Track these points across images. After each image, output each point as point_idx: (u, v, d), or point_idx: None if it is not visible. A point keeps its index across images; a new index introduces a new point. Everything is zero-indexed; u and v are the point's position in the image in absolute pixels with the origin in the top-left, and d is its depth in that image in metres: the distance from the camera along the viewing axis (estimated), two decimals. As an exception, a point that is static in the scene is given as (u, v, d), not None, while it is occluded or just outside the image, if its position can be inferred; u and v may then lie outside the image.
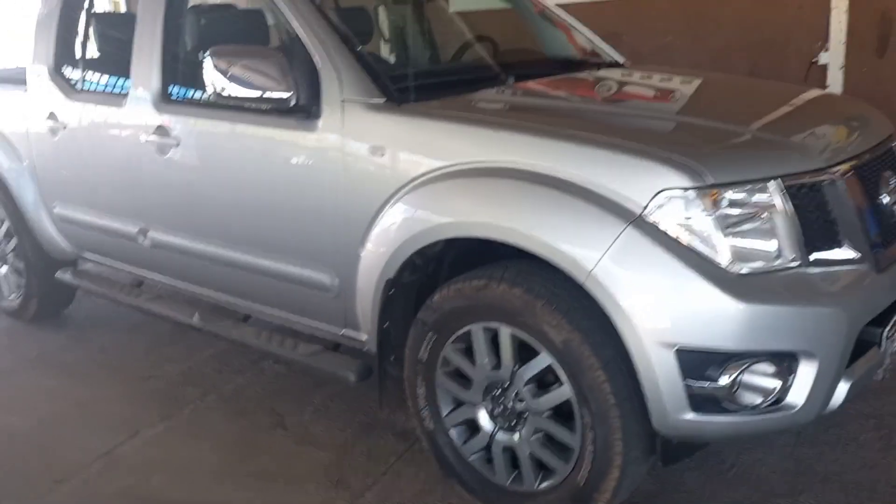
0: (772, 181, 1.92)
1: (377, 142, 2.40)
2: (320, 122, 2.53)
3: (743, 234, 1.89)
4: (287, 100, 2.51)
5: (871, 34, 4.76)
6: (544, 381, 2.15)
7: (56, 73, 3.58)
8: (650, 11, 5.42)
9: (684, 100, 2.76)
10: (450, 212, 2.20)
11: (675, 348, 1.85)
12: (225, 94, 2.53)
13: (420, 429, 2.48)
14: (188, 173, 3.00)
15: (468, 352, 2.30)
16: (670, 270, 1.86)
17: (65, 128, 3.50)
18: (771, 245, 1.90)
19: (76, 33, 3.63)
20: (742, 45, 5.13)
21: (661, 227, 1.89)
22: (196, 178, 2.98)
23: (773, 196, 1.91)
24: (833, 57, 4.84)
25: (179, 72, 3.09)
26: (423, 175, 2.28)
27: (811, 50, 4.91)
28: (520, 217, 2.04)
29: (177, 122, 3.00)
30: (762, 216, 1.90)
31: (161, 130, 3.05)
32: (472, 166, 2.17)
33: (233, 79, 2.51)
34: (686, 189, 1.87)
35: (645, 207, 1.90)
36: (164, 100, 3.08)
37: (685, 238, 1.88)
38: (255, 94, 2.52)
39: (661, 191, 1.89)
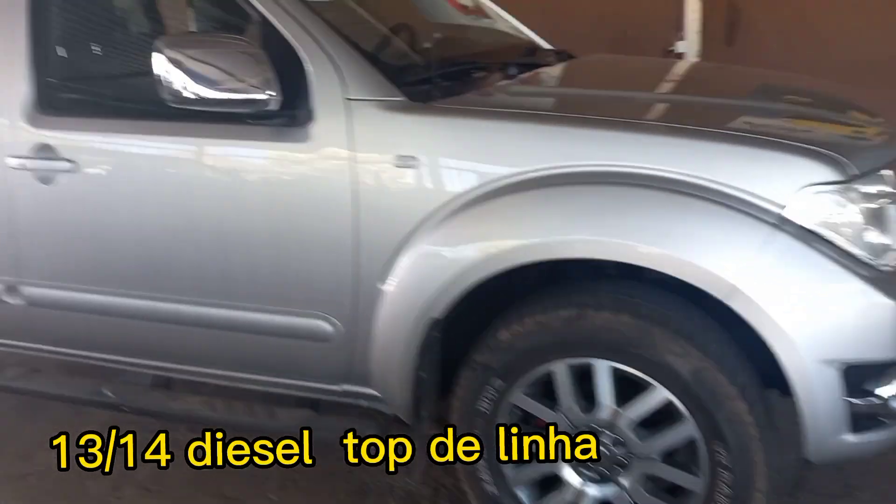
0: (888, 170, 1.78)
1: (404, 150, 1.91)
2: (313, 129, 1.98)
3: (881, 228, 1.72)
4: (264, 101, 1.92)
5: (721, 23, 5.03)
6: (650, 420, 1.85)
7: None
8: (504, 4, 5.29)
9: (765, 91, 2.52)
10: (537, 229, 1.79)
11: (839, 363, 1.64)
12: (183, 96, 1.89)
13: (475, 494, 2.05)
14: (95, 207, 2.25)
15: (544, 395, 1.92)
16: (826, 275, 1.64)
17: None
18: None
19: None
20: (601, 35, 5.17)
21: (809, 227, 1.66)
22: (111, 212, 2.23)
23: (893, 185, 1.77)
24: (689, 46, 5.04)
25: (67, 71, 2.32)
26: (480, 186, 1.84)
27: (668, 40, 5.09)
28: (636, 230, 1.70)
29: (69, 140, 2.24)
30: (891, 206, 1.75)
31: (43, 152, 2.26)
32: (556, 172, 1.78)
33: (193, 77, 1.87)
34: (833, 183, 1.66)
35: (785, 207, 1.66)
36: (44, 109, 2.28)
37: (834, 237, 1.67)
38: (222, 96, 1.91)
39: (807, 186, 1.66)
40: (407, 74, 2.06)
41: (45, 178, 2.27)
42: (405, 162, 1.91)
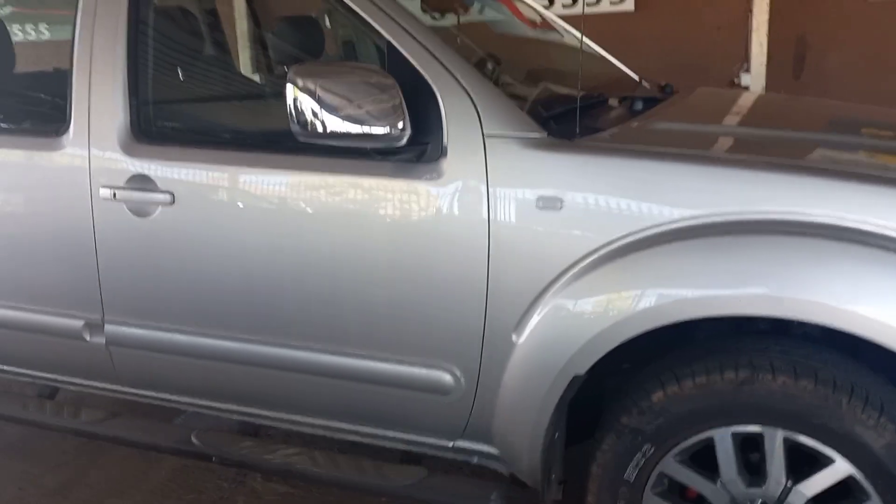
0: None
1: (549, 191, 1.75)
2: (446, 166, 1.82)
3: None
4: (394, 135, 1.77)
5: (789, 56, 4.90)
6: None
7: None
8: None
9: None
10: (714, 281, 1.61)
11: None
12: (314, 129, 1.74)
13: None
14: (192, 241, 2.09)
15: (700, 465, 1.74)
16: None
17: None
18: None
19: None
20: (662, 67, 5.04)
21: None
22: (210, 248, 2.07)
23: None
24: (755, 78, 4.90)
25: (166, 98, 2.17)
26: (639, 231, 1.68)
27: (731, 71, 4.95)
28: (830, 287, 1.53)
29: (168, 170, 2.09)
30: None
31: (139, 182, 2.11)
32: (735, 219, 1.61)
33: (326, 108, 1.72)
34: None
35: None
36: (143, 138, 2.14)
37: None
38: (355, 129, 1.76)
39: None
40: (543, 109, 1.91)
41: (140, 210, 2.12)
42: (549, 203, 1.74)
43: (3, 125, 2.39)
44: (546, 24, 3.02)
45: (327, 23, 3.36)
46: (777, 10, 4.67)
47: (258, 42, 3.27)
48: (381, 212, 1.90)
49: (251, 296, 2.08)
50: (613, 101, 2.20)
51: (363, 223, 1.92)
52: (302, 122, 1.75)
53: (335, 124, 1.74)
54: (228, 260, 2.07)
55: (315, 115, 1.72)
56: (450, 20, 3.26)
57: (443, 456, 2.12)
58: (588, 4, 5.04)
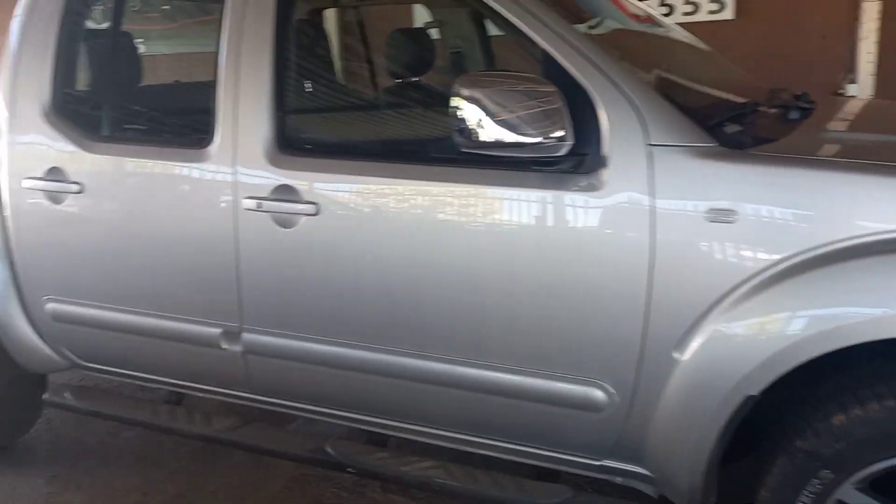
0: None
1: (722, 202, 1.69)
2: (606, 176, 1.78)
3: None
4: (556, 146, 1.74)
5: (896, 66, 4.71)
6: None
7: (58, 113, 2.49)
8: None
9: None
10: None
11: None
12: (477, 139, 1.72)
13: None
14: (336, 252, 2.09)
15: (883, 494, 1.64)
16: None
17: (80, 191, 2.42)
18: None
19: (93, 51, 2.56)
20: (762, 76, 4.90)
21: None
22: (354, 259, 2.07)
23: None
24: (862, 89, 4.72)
25: (312, 108, 2.19)
26: (825, 246, 1.60)
27: (835, 81, 4.78)
28: None
29: (313, 181, 2.10)
30: None
31: (283, 193, 2.12)
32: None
33: (490, 117, 1.70)
34: None
35: None
36: (287, 150, 2.15)
37: None
38: (519, 139, 1.73)
39: None
40: (708, 118, 1.85)
41: (284, 221, 2.13)
42: (721, 216, 1.68)
43: (146, 137, 2.44)
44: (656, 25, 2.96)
45: (436, 34, 3.37)
46: (889, 16, 4.49)
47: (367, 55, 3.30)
48: (534, 223, 1.86)
49: (392, 307, 2.07)
50: (765, 109, 2.12)
51: (514, 235, 1.89)
52: (465, 133, 1.73)
53: (498, 134, 1.72)
54: (371, 271, 2.07)
55: (479, 124, 1.71)
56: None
57: (583, 474, 2.07)
58: (685, 13, 4.94)
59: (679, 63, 2.25)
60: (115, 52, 2.45)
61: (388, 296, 2.06)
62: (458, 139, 1.75)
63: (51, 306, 2.59)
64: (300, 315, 2.20)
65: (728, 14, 4.89)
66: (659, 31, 2.68)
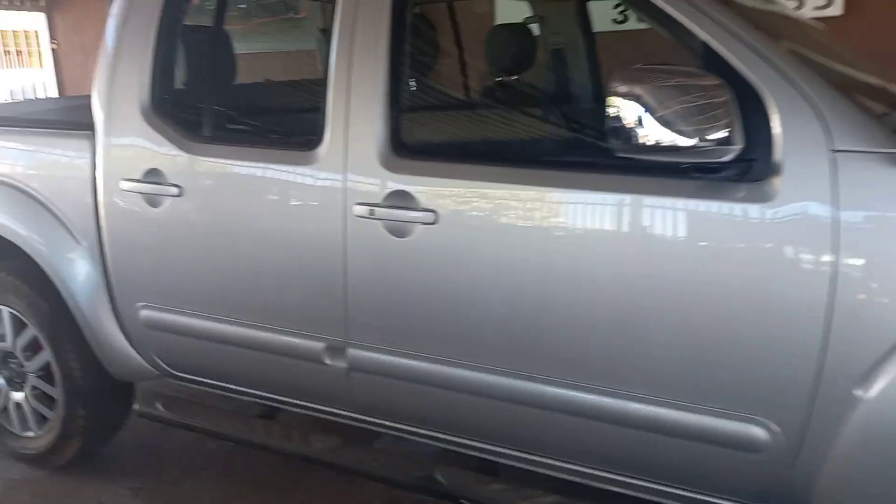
0: None
1: (924, 217, 1.46)
2: (779, 186, 1.57)
3: None
4: (722, 150, 1.53)
5: None
6: None
7: (157, 113, 2.38)
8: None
9: None
10: None
11: None
12: (637, 143, 1.53)
13: None
14: (456, 264, 1.92)
15: None
16: None
17: (179, 194, 2.30)
18: None
19: (192, 49, 2.45)
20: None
21: None
22: (476, 272, 1.90)
23: None
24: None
25: (421, 107, 2.03)
26: None
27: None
28: None
29: (431, 187, 1.93)
30: None
31: (398, 200, 1.96)
32: None
33: (653, 118, 1.50)
34: None
35: None
36: (403, 153, 1.99)
37: None
38: (676, 141, 1.53)
39: None
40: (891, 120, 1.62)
41: (398, 230, 1.97)
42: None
43: (250, 139, 2.32)
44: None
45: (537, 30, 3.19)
46: None
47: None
48: (688, 236, 1.66)
49: (519, 327, 1.89)
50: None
51: (663, 249, 1.69)
52: (623, 135, 1.54)
53: (660, 136, 1.52)
54: (495, 286, 1.89)
55: (640, 126, 1.51)
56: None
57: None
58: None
59: (830, 55, 2.01)
60: (215, 49, 2.33)
61: (514, 314, 1.88)
62: (613, 142, 1.56)
63: (144, 313, 2.49)
64: (412, 331, 2.03)
65: (836, 10, 4.59)
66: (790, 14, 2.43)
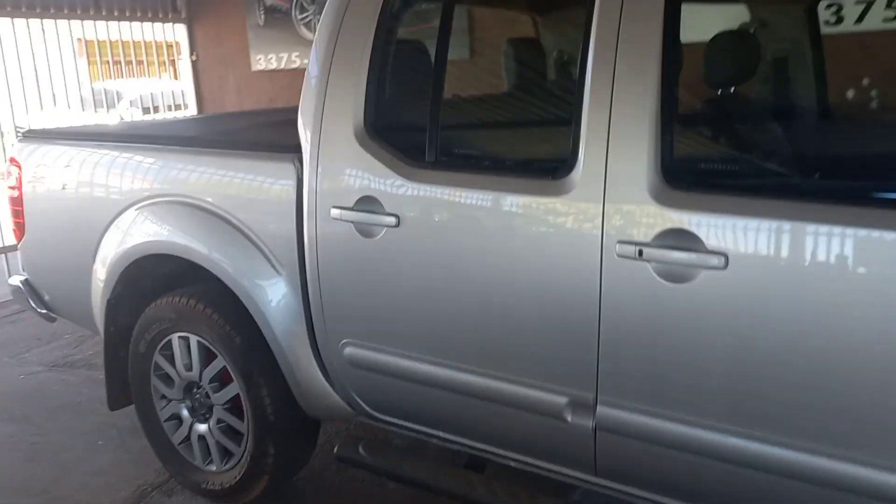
0: None
1: None
2: None
3: None
4: None
5: None
6: None
7: (373, 134, 2.19)
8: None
9: None
10: None
11: None
12: None
13: None
14: (752, 322, 1.62)
15: None
16: None
17: (397, 224, 2.10)
18: None
19: (411, 65, 2.25)
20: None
21: None
22: (781, 333, 1.59)
23: None
24: None
25: (703, 129, 1.74)
26: None
27: None
28: None
29: (724, 229, 1.64)
30: None
31: (675, 240, 1.68)
32: None
33: None
34: None
35: None
36: (680, 183, 1.71)
37: None
38: None
39: None
40: None
41: (673, 275, 1.69)
42: None
43: (481, 164, 2.09)
44: None
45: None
46: None
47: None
48: None
49: (836, 392, 1.57)
50: None
51: None
52: None
53: None
54: (802, 344, 1.58)
55: None
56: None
57: None
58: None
59: None
60: (437, 64, 2.11)
61: (834, 378, 1.56)
62: None
63: (349, 351, 2.31)
64: (688, 392, 1.74)
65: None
66: None
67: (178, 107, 7.90)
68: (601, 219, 1.78)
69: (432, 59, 2.14)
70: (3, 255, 5.71)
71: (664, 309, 1.72)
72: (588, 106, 1.80)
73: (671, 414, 1.78)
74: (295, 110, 2.35)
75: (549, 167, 1.89)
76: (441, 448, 2.31)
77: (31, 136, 3.18)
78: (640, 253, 1.72)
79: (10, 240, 5.33)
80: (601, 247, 1.78)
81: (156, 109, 7.86)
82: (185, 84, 7.73)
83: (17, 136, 3.25)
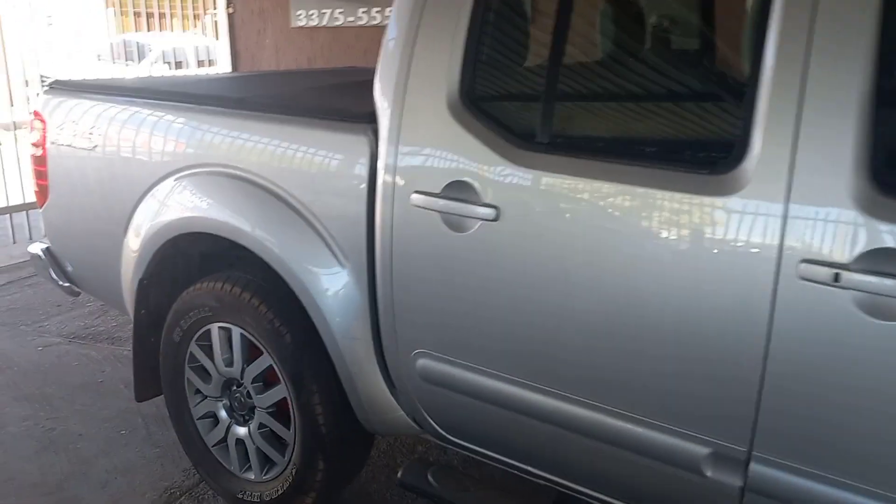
0: None
1: None
2: None
3: None
4: None
5: None
6: None
7: (469, 107, 1.79)
8: None
9: None
10: None
11: None
12: None
13: None
14: None
15: None
16: None
17: (496, 218, 1.71)
18: None
19: (527, 23, 1.84)
20: None
21: None
22: None
23: None
24: None
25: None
26: None
27: None
28: None
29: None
30: None
31: (881, 263, 1.28)
32: None
33: None
34: None
35: None
36: (888, 188, 1.31)
37: None
38: None
39: None
40: None
41: (880, 309, 1.29)
42: None
43: (612, 150, 1.68)
44: None
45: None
46: None
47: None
48: None
49: None
50: None
51: None
52: None
53: None
54: None
55: None
56: None
57: None
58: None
59: None
60: (559, 22, 1.70)
61: None
62: None
63: (423, 363, 1.94)
64: (879, 458, 1.36)
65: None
66: None
67: (207, 63, 7.51)
68: (780, 229, 1.38)
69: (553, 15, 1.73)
70: (23, 213, 5.40)
71: (868, 351, 1.32)
72: (767, 87, 1.39)
73: (852, 483, 1.39)
74: (348, 72, 1.95)
75: (706, 157, 1.49)
76: (515, 476, 1.96)
77: (59, 87, 2.80)
78: (837, 277, 1.32)
79: (31, 196, 5.01)
80: (777, 265, 1.38)
81: (182, 65, 7.48)
82: (221, 39, 7.33)
83: (43, 87, 2.87)
